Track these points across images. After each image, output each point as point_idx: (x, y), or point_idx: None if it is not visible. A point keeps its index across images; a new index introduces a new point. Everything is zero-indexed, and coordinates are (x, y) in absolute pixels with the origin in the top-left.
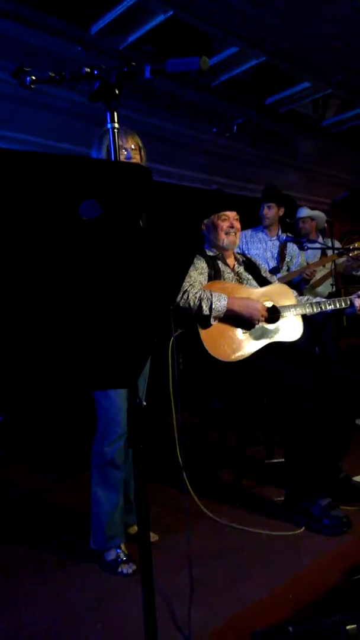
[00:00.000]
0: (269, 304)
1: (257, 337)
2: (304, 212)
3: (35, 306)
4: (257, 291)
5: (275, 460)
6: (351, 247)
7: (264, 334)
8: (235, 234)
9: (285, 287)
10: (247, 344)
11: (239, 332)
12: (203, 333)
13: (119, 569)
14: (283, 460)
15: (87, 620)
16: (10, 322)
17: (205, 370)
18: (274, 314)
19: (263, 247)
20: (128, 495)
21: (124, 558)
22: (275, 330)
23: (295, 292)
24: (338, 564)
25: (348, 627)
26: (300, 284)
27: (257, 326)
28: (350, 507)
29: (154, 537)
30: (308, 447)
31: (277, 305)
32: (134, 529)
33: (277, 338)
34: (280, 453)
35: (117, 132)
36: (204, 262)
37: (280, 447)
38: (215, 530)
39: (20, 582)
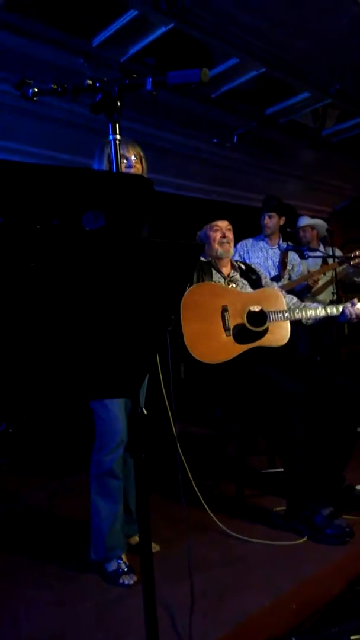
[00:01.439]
0: (256, 308)
1: (241, 340)
2: (305, 220)
3: (38, 316)
4: (247, 294)
5: (276, 470)
6: (352, 255)
7: (248, 337)
8: (229, 243)
9: (276, 292)
10: (230, 347)
11: (222, 334)
12: (185, 333)
13: (120, 580)
14: (282, 469)
15: (88, 630)
16: (12, 332)
17: (206, 379)
18: (261, 318)
19: (264, 256)
20: (128, 505)
21: (125, 569)
22: (260, 335)
23: (296, 299)
24: (341, 574)
25: (352, 637)
26: (302, 292)
27: (241, 329)
28: (353, 517)
29: (155, 547)
30: (308, 457)
31: (265, 309)
32: (135, 539)
33: (262, 343)
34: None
35: (119, 143)
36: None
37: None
38: (217, 540)
39: (21, 591)
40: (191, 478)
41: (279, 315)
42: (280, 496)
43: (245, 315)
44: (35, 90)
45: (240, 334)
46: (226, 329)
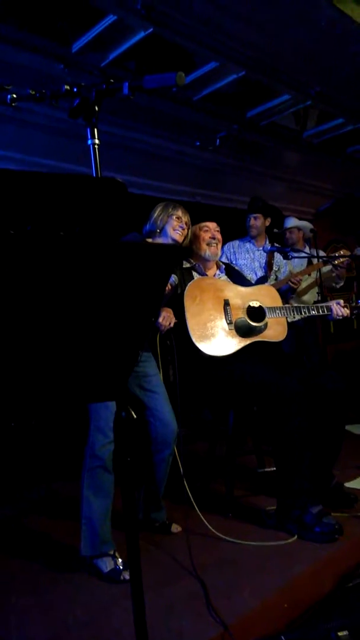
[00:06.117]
0: (255, 304)
1: (243, 334)
2: (291, 222)
3: (15, 325)
4: (245, 290)
5: (266, 470)
6: (336, 255)
7: (249, 331)
8: (217, 244)
9: (273, 290)
10: (234, 340)
11: (226, 327)
12: (191, 326)
13: (122, 577)
14: (274, 469)
15: (79, 636)
16: None
17: (195, 381)
18: (260, 314)
19: (250, 258)
20: (158, 495)
21: (121, 567)
22: (260, 330)
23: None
24: (331, 572)
25: (340, 633)
26: (287, 293)
27: (243, 323)
28: (342, 514)
29: (177, 528)
30: (299, 455)
31: (264, 306)
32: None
33: (262, 337)
34: (271, 462)
35: (97, 148)
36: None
37: (271, 456)
38: (208, 542)
39: (11, 599)
40: (184, 481)
41: (277, 312)
42: (270, 495)
43: (246, 310)
44: (14, 96)
45: (242, 328)
46: (229, 322)
